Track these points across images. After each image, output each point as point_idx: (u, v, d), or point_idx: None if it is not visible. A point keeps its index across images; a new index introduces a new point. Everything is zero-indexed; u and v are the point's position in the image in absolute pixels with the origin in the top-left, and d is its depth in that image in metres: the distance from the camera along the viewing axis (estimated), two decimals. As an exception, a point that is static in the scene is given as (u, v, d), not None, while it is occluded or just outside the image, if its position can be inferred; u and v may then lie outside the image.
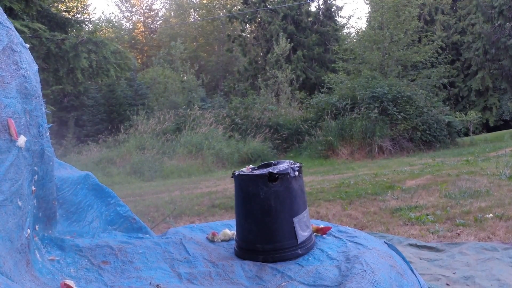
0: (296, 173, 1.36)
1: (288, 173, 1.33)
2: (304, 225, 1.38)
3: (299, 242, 1.35)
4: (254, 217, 1.36)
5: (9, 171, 1.08)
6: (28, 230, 1.19)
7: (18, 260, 1.08)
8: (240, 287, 1.23)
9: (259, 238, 1.36)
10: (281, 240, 1.34)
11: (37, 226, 1.34)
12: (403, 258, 1.45)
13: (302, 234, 1.36)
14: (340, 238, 1.47)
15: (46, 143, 1.31)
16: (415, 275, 1.39)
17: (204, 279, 1.28)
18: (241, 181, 1.39)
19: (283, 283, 1.20)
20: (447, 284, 2.05)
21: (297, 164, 1.40)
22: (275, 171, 1.32)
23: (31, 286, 1.07)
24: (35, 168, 1.26)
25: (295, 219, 1.35)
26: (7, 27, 1.20)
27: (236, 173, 1.41)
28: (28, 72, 1.23)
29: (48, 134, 1.34)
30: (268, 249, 1.34)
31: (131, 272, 1.29)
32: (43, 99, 1.34)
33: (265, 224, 1.34)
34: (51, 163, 1.36)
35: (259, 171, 1.38)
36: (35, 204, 1.30)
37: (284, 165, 1.39)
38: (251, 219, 1.37)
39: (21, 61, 1.21)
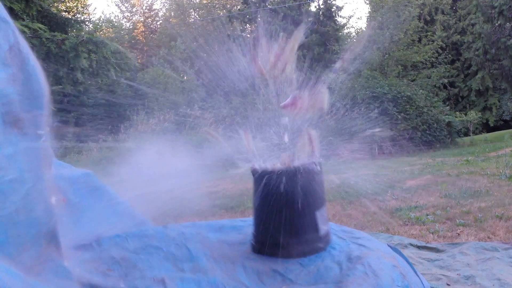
0: (319, 168, 1.38)
1: (313, 168, 1.36)
2: (324, 220, 1.39)
3: (320, 236, 1.36)
4: (277, 212, 1.35)
5: None
6: None
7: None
8: (241, 286, 1.23)
9: (282, 232, 1.35)
10: (305, 234, 1.35)
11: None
12: (406, 260, 1.45)
13: (323, 228, 1.38)
14: (344, 239, 1.47)
15: None
16: (418, 276, 1.39)
17: (208, 271, 1.29)
18: (263, 177, 1.37)
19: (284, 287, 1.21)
20: (448, 284, 2.05)
21: (317, 160, 1.41)
22: (299, 165, 1.34)
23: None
24: None
25: (318, 213, 1.36)
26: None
27: (260, 170, 1.39)
28: None
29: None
30: (292, 242, 1.35)
31: (135, 273, 1.29)
32: None
33: (289, 217, 1.34)
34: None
35: (283, 167, 1.38)
36: None
37: (303, 161, 1.40)
38: (274, 214, 1.36)
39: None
